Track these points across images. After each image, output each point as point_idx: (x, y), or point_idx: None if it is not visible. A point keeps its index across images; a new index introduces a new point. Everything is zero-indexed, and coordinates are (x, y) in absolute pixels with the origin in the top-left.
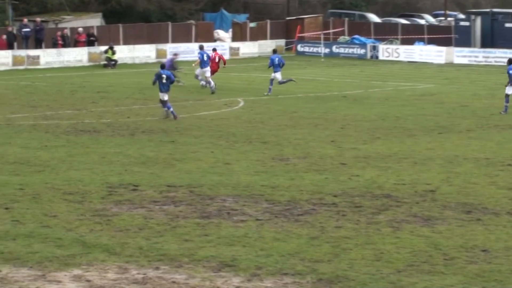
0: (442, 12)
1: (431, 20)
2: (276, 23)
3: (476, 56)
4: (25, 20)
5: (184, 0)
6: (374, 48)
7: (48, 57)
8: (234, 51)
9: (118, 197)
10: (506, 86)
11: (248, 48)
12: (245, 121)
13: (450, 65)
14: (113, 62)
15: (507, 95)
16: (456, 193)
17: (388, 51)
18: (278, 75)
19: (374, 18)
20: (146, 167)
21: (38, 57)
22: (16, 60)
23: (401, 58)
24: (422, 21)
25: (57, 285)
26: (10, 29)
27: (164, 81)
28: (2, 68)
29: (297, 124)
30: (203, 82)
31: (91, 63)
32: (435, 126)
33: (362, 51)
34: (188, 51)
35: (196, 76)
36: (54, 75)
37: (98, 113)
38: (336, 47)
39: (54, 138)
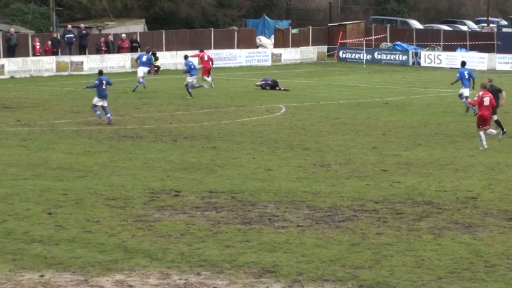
0: (485, 18)
1: (473, 26)
2: (318, 29)
3: None
4: (69, 26)
5: (226, 6)
6: (416, 54)
7: (92, 63)
8: (276, 57)
9: (160, 202)
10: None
11: (290, 54)
12: (286, 127)
13: (492, 71)
14: (156, 68)
15: (462, 95)
16: (497, 200)
17: (430, 57)
18: (194, 79)
19: (416, 24)
20: (188, 173)
21: (81, 63)
22: (59, 66)
23: (443, 65)
24: (464, 28)
25: None
26: (55, 35)
27: (104, 87)
28: (46, 74)
29: (339, 130)
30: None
31: (134, 69)
32: (477, 132)
33: (404, 58)
34: (230, 57)
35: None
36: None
37: (140, 119)
38: (378, 54)
39: (97, 144)
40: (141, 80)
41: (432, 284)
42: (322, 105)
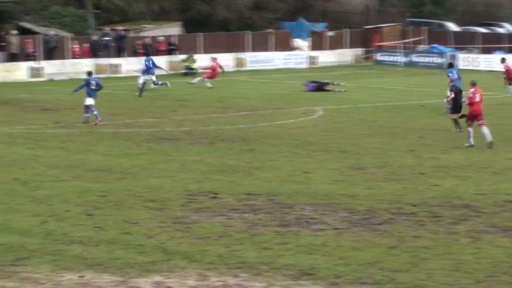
0: None
1: (511, 28)
2: (355, 32)
3: None
4: (107, 29)
5: (263, 9)
6: (453, 57)
7: (129, 65)
8: (312, 60)
9: (198, 204)
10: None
11: (326, 57)
12: (323, 130)
13: None
14: (193, 71)
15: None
16: None
17: (468, 60)
18: (146, 79)
19: (453, 27)
20: (225, 175)
21: (119, 65)
22: (98, 69)
23: (480, 67)
24: (501, 30)
25: None
26: (94, 37)
27: (93, 87)
28: (85, 76)
29: (376, 133)
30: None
31: (171, 72)
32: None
33: (441, 60)
34: (266, 59)
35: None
36: (135, 84)
37: (178, 121)
38: (415, 56)
39: (135, 146)
40: (140, 86)
41: None
42: (359, 107)
